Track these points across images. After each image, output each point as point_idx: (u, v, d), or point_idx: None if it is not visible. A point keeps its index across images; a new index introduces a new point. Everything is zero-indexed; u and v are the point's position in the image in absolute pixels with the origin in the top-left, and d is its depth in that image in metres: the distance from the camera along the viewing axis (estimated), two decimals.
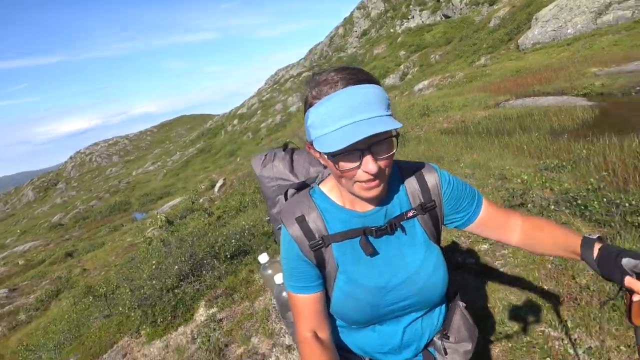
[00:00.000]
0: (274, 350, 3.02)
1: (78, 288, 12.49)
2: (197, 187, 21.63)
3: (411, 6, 52.00)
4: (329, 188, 1.17)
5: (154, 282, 5.13)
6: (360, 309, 1.13)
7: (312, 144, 1.02)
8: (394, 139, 0.97)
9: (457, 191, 1.18)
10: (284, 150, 1.50)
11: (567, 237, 1.08)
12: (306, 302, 1.14)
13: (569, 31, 18.00)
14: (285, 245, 1.15)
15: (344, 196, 1.12)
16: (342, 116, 0.91)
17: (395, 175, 1.17)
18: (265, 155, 1.51)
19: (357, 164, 0.95)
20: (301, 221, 1.12)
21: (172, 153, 75.21)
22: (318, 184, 1.21)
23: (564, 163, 4.60)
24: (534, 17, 20.87)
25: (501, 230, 1.20)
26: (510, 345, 2.37)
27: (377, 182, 0.98)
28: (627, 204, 3.32)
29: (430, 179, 1.16)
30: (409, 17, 51.50)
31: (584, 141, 5.24)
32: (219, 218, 8.34)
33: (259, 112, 59.28)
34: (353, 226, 1.11)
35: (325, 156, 0.98)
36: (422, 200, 1.14)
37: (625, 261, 0.92)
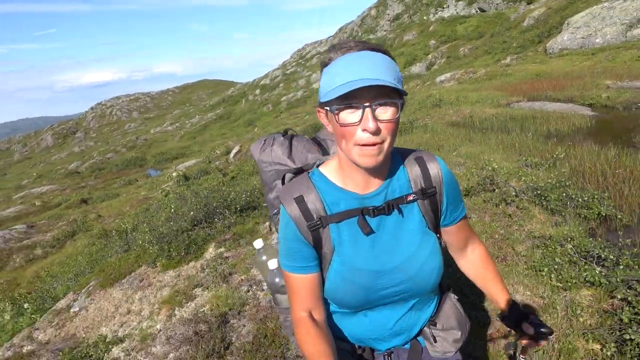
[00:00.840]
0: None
1: (94, 230, 13.46)
2: (213, 151, 22.43)
3: None
4: (329, 170, 1.20)
5: (170, 223, 5.91)
6: (354, 292, 1.17)
7: (321, 106, 1.08)
8: (399, 104, 1.00)
9: (453, 188, 1.23)
10: (283, 135, 1.53)
11: (496, 286, 1.32)
12: (302, 282, 1.18)
13: (597, 40, 18.12)
14: (283, 224, 1.18)
15: (346, 177, 1.15)
16: (351, 72, 0.96)
17: (397, 161, 1.20)
18: (265, 140, 1.55)
19: (358, 119, 0.97)
20: (300, 201, 1.15)
21: (192, 116, 76.15)
22: (317, 166, 1.24)
23: (543, 162, 5.21)
24: (566, 22, 20.92)
25: (460, 247, 1.35)
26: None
27: (375, 147, 0.99)
28: (580, 200, 3.95)
29: (433, 167, 1.19)
30: (445, 6, 50.99)
31: (568, 145, 5.82)
32: (232, 178, 9.10)
33: (281, 85, 59.63)
34: (352, 207, 1.14)
35: (328, 108, 1.02)
36: (424, 186, 1.17)
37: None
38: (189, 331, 3.12)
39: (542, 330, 1.17)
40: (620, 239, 3.20)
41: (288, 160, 1.45)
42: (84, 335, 4.83)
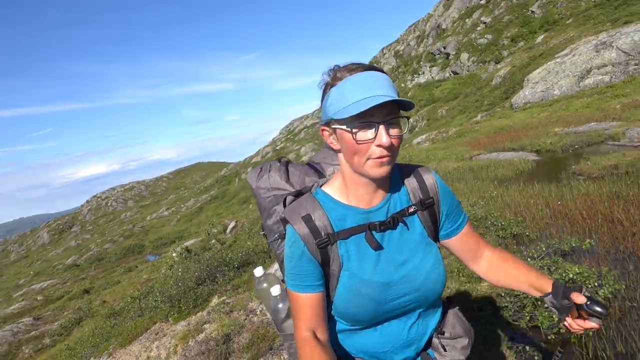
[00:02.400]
0: (261, 306, 4.86)
1: (103, 311, 14.25)
2: (210, 229, 23.57)
3: (422, 62, 55.28)
4: (332, 188, 1.26)
5: (179, 284, 7.00)
6: (364, 305, 1.21)
7: (328, 124, 1.15)
8: (405, 119, 1.10)
9: (450, 197, 1.31)
10: (278, 162, 1.57)
11: (530, 274, 1.26)
12: (308, 301, 1.21)
13: (555, 92, 20.09)
14: (290, 243, 1.22)
15: (350, 192, 1.21)
16: (363, 91, 1.05)
17: (396, 175, 1.27)
18: (261, 167, 1.57)
19: (373, 135, 1.05)
20: (308, 220, 1.20)
21: (187, 199, 77.80)
22: (320, 186, 1.30)
23: (481, 200, 6.48)
24: (525, 79, 23.13)
25: (473, 253, 1.35)
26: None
27: (388, 158, 1.08)
28: (499, 224, 5.17)
29: (428, 178, 1.28)
30: (420, 73, 54.62)
31: (505, 186, 7.12)
32: (230, 246, 10.24)
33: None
34: (358, 222, 1.20)
35: (344, 127, 1.09)
36: (422, 197, 1.25)
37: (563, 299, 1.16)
38: (201, 347, 4.19)
39: (596, 308, 1.09)
40: (525, 250, 4.37)
41: (287, 185, 1.47)
42: None
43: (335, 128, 1.12)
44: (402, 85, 55.11)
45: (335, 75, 1.11)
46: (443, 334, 1.36)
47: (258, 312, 4.76)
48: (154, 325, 6.68)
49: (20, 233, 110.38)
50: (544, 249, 4.04)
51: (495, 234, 5.07)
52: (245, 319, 4.76)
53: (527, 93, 21.75)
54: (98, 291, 23.90)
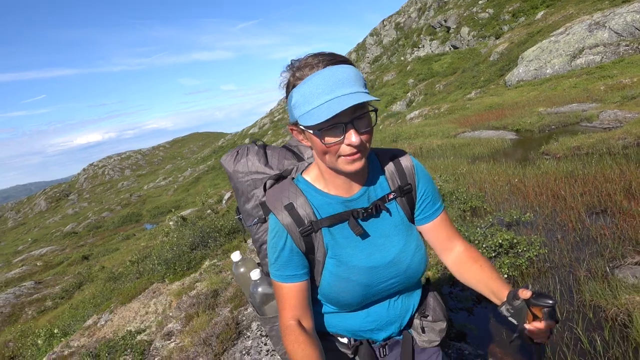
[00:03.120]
0: None
1: (103, 275, 15.03)
2: (207, 200, 24.25)
3: (422, 35, 55.07)
4: (312, 177, 1.27)
5: (174, 249, 7.68)
6: (353, 290, 1.24)
7: (295, 124, 1.14)
8: (372, 114, 1.10)
9: (426, 183, 1.34)
10: (255, 145, 1.56)
11: (495, 281, 1.23)
12: (292, 291, 1.23)
13: (547, 71, 20.50)
14: (273, 234, 1.24)
15: (328, 182, 1.23)
16: (325, 92, 1.02)
17: (374, 161, 1.30)
18: (237, 150, 1.56)
19: (341, 137, 1.05)
20: (290, 208, 1.21)
21: (184, 169, 78.45)
22: (300, 173, 1.32)
23: (451, 177, 7.09)
24: (520, 56, 23.45)
25: (444, 244, 1.37)
26: None
27: (359, 155, 1.08)
28: (461, 198, 5.79)
29: (406, 162, 1.31)
30: (420, 46, 54.49)
31: (476, 163, 7.73)
32: (223, 215, 10.90)
33: (270, 132, 62.17)
34: (339, 210, 1.23)
35: (311, 132, 1.07)
36: (400, 183, 1.29)
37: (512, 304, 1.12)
38: (192, 300, 4.86)
39: (542, 297, 1.04)
40: (476, 221, 4.99)
41: (266, 168, 1.47)
42: (112, 336, 6.46)
43: (303, 129, 1.12)
44: (402, 58, 55.06)
45: (295, 75, 1.10)
46: (426, 317, 1.42)
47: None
48: (151, 285, 7.36)
49: (17, 200, 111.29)
50: (490, 220, 4.67)
51: (457, 207, 5.69)
52: (232, 277, 5.42)
53: (520, 71, 22.15)
54: (97, 257, 24.73)
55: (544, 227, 4.54)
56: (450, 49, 48.54)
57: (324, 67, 1.05)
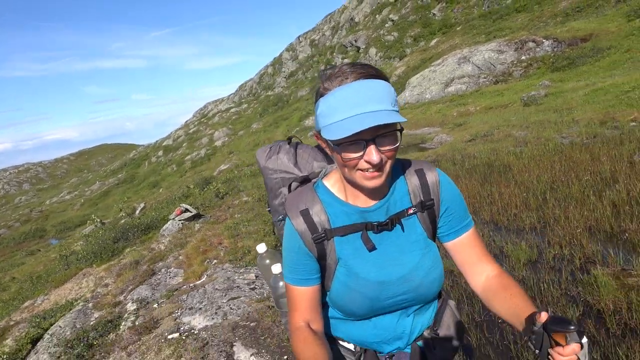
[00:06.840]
0: (159, 245, 8.20)
1: (19, 281, 16.34)
2: (119, 212, 25.64)
3: (335, 53, 59.21)
4: (332, 182, 1.29)
5: (99, 242, 10.05)
6: (359, 302, 1.26)
7: (319, 133, 1.15)
8: (398, 133, 1.08)
9: (452, 197, 1.31)
10: (288, 143, 1.59)
11: (525, 310, 1.09)
12: (303, 295, 1.27)
13: (427, 96, 24.75)
14: (288, 237, 1.29)
15: (347, 191, 1.24)
16: (350, 107, 1.03)
17: (398, 173, 1.29)
18: (270, 147, 1.61)
19: (361, 153, 1.05)
20: (305, 214, 1.24)
21: (91, 182, 76.53)
22: (322, 179, 1.33)
23: None
24: (407, 82, 27.73)
25: (473, 266, 1.31)
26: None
27: (377, 173, 1.09)
28: None
29: (431, 176, 1.29)
30: (333, 63, 58.51)
31: None
32: (139, 218, 13.26)
33: (184, 144, 61.71)
34: (355, 221, 1.23)
35: (331, 144, 1.09)
36: (422, 198, 1.27)
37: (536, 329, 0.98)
38: (119, 268, 7.46)
39: (561, 322, 0.92)
40: None
41: (294, 169, 1.50)
42: (52, 307, 8.71)
43: (326, 140, 1.12)
44: (316, 74, 58.48)
45: (324, 84, 1.11)
46: (437, 334, 1.39)
47: (156, 248, 8.10)
48: (81, 271, 9.70)
49: None
50: None
51: None
52: (149, 252, 8.06)
53: (407, 94, 26.33)
54: (3, 271, 25.04)
55: None
56: None
57: (354, 80, 1.05)
